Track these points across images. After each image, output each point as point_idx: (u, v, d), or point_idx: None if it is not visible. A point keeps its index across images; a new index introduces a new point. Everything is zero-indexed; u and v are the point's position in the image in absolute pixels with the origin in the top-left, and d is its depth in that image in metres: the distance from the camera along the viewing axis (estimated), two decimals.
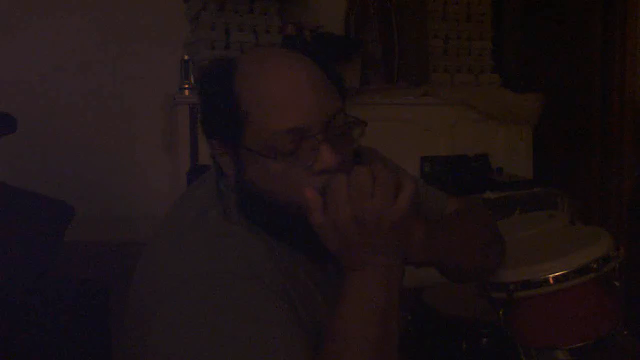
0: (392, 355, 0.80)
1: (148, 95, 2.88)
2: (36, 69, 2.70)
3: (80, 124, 2.77)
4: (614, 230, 1.33)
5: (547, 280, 1.18)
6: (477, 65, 3.31)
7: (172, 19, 2.92)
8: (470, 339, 1.60)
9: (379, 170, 0.79)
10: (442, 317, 1.70)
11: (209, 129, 0.93)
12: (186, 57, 2.70)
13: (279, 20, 2.85)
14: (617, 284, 1.23)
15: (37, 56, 2.72)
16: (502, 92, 3.24)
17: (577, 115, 3.31)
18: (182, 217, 0.91)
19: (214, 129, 0.91)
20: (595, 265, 1.18)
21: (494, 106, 3.13)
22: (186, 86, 2.66)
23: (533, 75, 3.41)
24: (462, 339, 1.62)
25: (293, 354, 0.76)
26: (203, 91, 0.93)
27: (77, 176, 2.68)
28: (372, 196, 0.77)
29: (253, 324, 0.77)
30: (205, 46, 2.74)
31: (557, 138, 3.35)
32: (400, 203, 0.79)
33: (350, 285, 0.81)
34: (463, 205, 1.15)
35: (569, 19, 3.36)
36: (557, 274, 1.18)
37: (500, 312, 1.23)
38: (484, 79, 3.30)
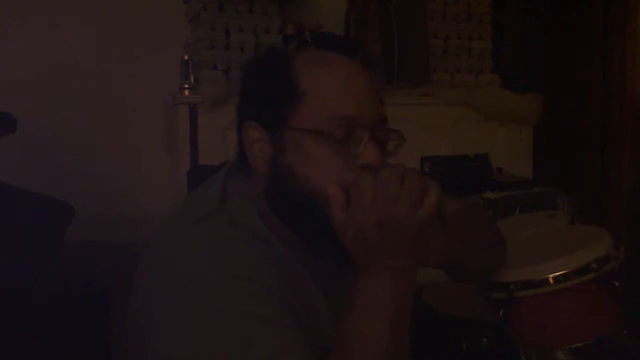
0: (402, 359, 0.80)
1: (148, 95, 2.88)
2: (36, 69, 2.70)
3: (80, 124, 2.77)
4: (614, 230, 1.32)
5: (547, 280, 1.18)
6: (477, 65, 3.31)
7: (172, 19, 2.92)
8: (470, 339, 1.60)
9: (407, 172, 0.77)
10: (442, 317, 1.70)
11: (249, 109, 0.93)
12: (186, 57, 2.70)
13: (279, 20, 2.85)
14: (617, 284, 1.23)
15: (37, 56, 2.72)
16: (502, 92, 3.24)
17: (577, 115, 3.31)
18: (185, 218, 0.91)
19: (256, 109, 0.91)
20: (595, 265, 1.18)
21: (494, 106, 3.13)
22: (186, 86, 2.66)
23: (533, 75, 3.41)
24: (462, 339, 1.62)
25: (292, 354, 0.76)
26: (252, 71, 0.94)
27: (77, 176, 2.68)
28: (398, 199, 0.75)
29: (252, 325, 0.77)
30: (205, 46, 2.74)
31: (557, 138, 3.35)
32: (425, 209, 0.77)
33: (363, 287, 0.79)
34: (462, 206, 1.15)
35: (569, 19, 3.36)
36: (557, 274, 1.18)
37: (500, 312, 1.23)
38: (484, 79, 3.30)
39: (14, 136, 1.83)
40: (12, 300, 1.50)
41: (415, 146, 3.03)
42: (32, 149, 2.58)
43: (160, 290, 0.82)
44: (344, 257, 0.81)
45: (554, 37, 3.42)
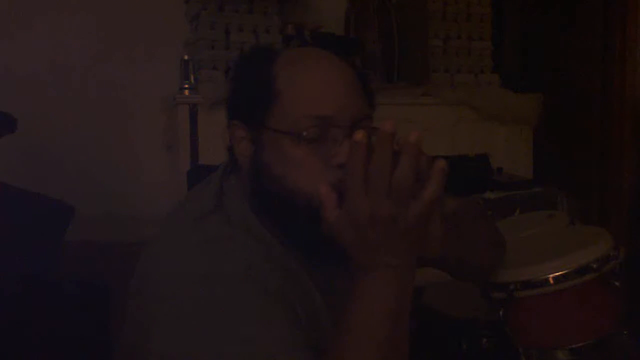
0: (401, 358, 0.80)
1: (148, 95, 2.88)
2: (36, 69, 2.71)
3: (80, 123, 2.77)
4: (614, 230, 1.32)
5: (547, 280, 1.18)
6: (477, 65, 3.31)
7: (172, 19, 2.92)
8: (470, 339, 1.60)
9: (400, 162, 0.71)
10: (442, 317, 1.70)
11: (234, 108, 0.93)
12: (186, 57, 2.71)
13: (279, 20, 2.85)
14: (617, 284, 1.23)
15: (37, 56, 2.72)
16: (502, 92, 3.24)
17: (577, 115, 3.31)
18: (183, 219, 0.91)
19: (240, 108, 0.92)
20: (595, 265, 1.18)
21: (494, 106, 3.13)
22: (186, 86, 2.67)
23: (533, 75, 3.41)
24: (462, 339, 1.61)
25: (292, 354, 0.76)
26: (239, 71, 0.95)
27: (77, 176, 2.68)
28: (388, 196, 0.71)
29: (251, 324, 0.77)
30: (205, 46, 2.74)
31: (557, 138, 3.35)
32: (420, 204, 0.72)
33: (360, 285, 0.78)
34: (461, 205, 1.15)
35: (569, 19, 3.36)
36: (557, 274, 1.18)
37: (500, 312, 1.23)
38: (484, 79, 3.30)
39: (14, 136, 1.83)
40: (12, 301, 1.50)
41: None
42: (32, 149, 2.58)
43: (160, 290, 0.82)
44: (337, 255, 0.79)
45: (554, 37, 3.42)
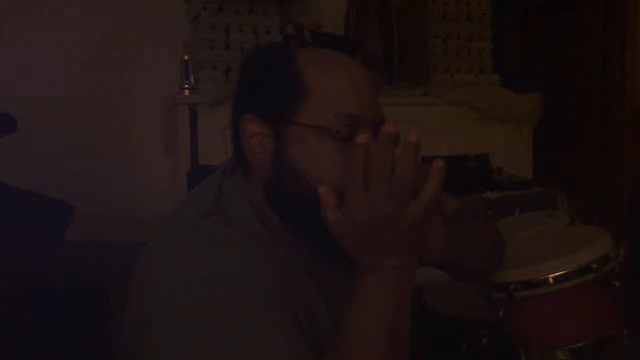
0: (401, 359, 0.79)
1: (148, 95, 2.89)
2: (36, 69, 2.70)
3: (80, 123, 2.77)
4: (614, 230, 1.32)
5: (547, 280, 1.18)
6: (477, 65, 3.31)
7: (172, 19, 2.92)
8: (470, 339, 1.60)
9: (399, 165, 0.73)
10: (442, 317, 1.70)
11: (248, 103, 0.91)
12: (186, 57, 2.70)
13: (279, 20, 2.86)
14: (617, 284, 1.23)
15: (38, 56, 2.72)
16: (502, 92, 3.24)
17: (577, 115, 3.31)
18: (182, 219, 0.91)
19: (257, 103, 0.90)
20: (595, 265, 1.18)
21: (494, 106, 3.14)
22: (186, 86, 2.66)
23: (533, 75, 3.41)
24: (462, 339, 1.61)
25: (291, 355, 0.76)
26: (253, 65, 0.93)
27: (77, 176, 2.68)
28: (388, 197, 0.73)
29: (251, 326, 0.76)
30: (205, 46, 2.74)
31: (557, 138, 3.35)
32: (418, 205, 0.74)
33: (361, 287, 0.78)
34: (461, 205, 1.14)
35: (569, 19, 3.36)
36: (557, 274, 1.18)
37: (500, 312, 1.23)
38: (484, 79, 3.30)
39: (14, 136, 1.83)
40: (12, 300, 1.50)
41: None
42: (32, 149, 2.58)
43: (159, 291, 0.82)
44: (342, 256, 0.80)
45: (553, 36, 3.42)
